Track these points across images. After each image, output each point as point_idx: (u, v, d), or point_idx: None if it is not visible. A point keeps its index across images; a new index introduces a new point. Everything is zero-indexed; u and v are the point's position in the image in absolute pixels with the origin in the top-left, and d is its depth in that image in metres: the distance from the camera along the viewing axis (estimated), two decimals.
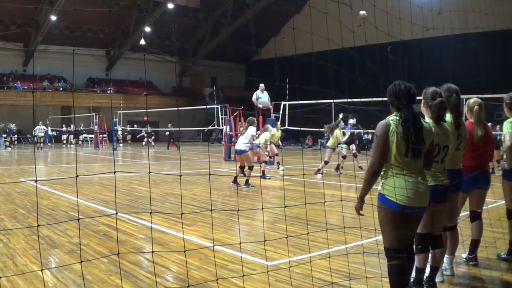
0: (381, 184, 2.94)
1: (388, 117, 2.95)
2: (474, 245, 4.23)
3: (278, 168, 13.90)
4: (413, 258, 3.08)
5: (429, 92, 3.36)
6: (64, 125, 32.21)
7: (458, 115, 3.58)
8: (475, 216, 4.20)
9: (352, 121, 14.11)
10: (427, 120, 3.29)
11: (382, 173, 2.93)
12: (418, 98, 3.12)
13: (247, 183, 9.61)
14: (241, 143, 9.59)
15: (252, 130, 9.60)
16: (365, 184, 2.94)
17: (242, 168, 9.84)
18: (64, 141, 30.53)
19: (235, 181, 9.64)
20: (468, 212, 4.30)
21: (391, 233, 2.89)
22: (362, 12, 10.90)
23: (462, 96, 3.73)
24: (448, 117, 3.56)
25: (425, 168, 3.07)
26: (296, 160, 17.02)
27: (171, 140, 26.23)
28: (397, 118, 2.89)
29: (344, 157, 12.90)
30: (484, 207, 4.33)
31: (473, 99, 4.04)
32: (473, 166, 3.92)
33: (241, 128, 12.41)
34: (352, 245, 4.76)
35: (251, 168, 9.63)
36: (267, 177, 11.42)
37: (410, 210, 2.84)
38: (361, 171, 11.51)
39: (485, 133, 3.94)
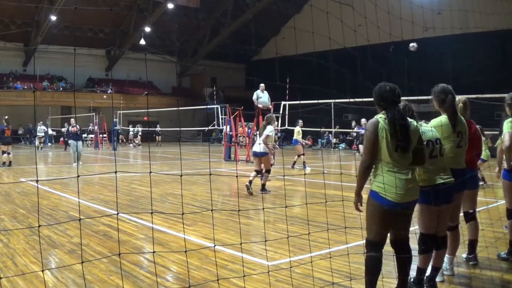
0: (372, 181, 3.05)
1: (377, 115, 3.08)
2: (472, 245, 4.22)
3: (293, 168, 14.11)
4: (407, 258, 3.13)
5: (401, 105, 3.37)
6: (66, 124, 31.99)
7: (454, 114, 3.61)
8: (470, 217, 4.19)
9: (364, 121, 14.67)
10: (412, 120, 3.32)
11: (373, 171, 3.05)
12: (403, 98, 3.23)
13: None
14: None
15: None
16: (359, 180, 3.06)
17: None
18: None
19: None
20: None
21: (378, 228, 3.01)
22: (412, 44, 11.30)
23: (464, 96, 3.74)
24: (444, 117, 3.60)
25: (419, 165, 3.19)
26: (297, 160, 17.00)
27: (65, 140, 25.31)
28: (385, 116, 3.02)
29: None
30: (484, 207, 4.32)
31: (458, 97, 4.01)
32: None
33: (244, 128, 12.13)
34: (352, 245, 4.76)
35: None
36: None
37: (400, 207, 2.95)
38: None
39: (469, 131, 3.90)
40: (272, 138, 11.56)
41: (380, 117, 3.02)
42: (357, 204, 3.11)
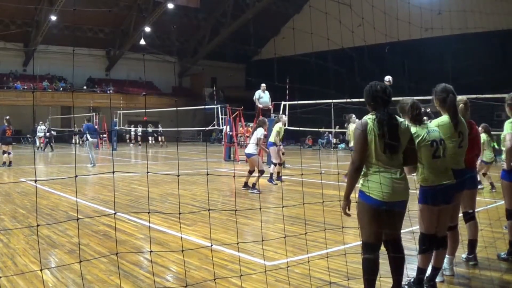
0: (361, 181, 3.06)
1: (366, 116, 3.09)
2: (472, 245, 4.23)
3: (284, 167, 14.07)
4: (399, 258, 3.13)
5: (408, 105, 3.47)
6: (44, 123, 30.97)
7: (455, 114, 3.61)
8: (469, 217, 4.20)
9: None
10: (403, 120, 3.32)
11: (362, 171, 3.05)
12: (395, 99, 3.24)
13: None
14: None
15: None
16: (349, 182, 3.05)
17: None
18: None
19: None
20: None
21: (369, 228, 3.01)
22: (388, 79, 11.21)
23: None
24: (445, 117, 3.59)
25: (411, 164, 3.19)
26: (296, 160, 17.02)
27: (47, 140, 24.20)
28: (374, 117, 3.02)
29: None
30: (483, 207, 4.33)
31: (459, 97, 4.02)
32: None
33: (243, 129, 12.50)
34: (351, 245, 4.76)
35: None
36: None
37: (386, 205, 2.94)
38: None
39: (470, 132, 3.90)
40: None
41: (369, 118, 3.04)
42: (345, 208, 3.07)
